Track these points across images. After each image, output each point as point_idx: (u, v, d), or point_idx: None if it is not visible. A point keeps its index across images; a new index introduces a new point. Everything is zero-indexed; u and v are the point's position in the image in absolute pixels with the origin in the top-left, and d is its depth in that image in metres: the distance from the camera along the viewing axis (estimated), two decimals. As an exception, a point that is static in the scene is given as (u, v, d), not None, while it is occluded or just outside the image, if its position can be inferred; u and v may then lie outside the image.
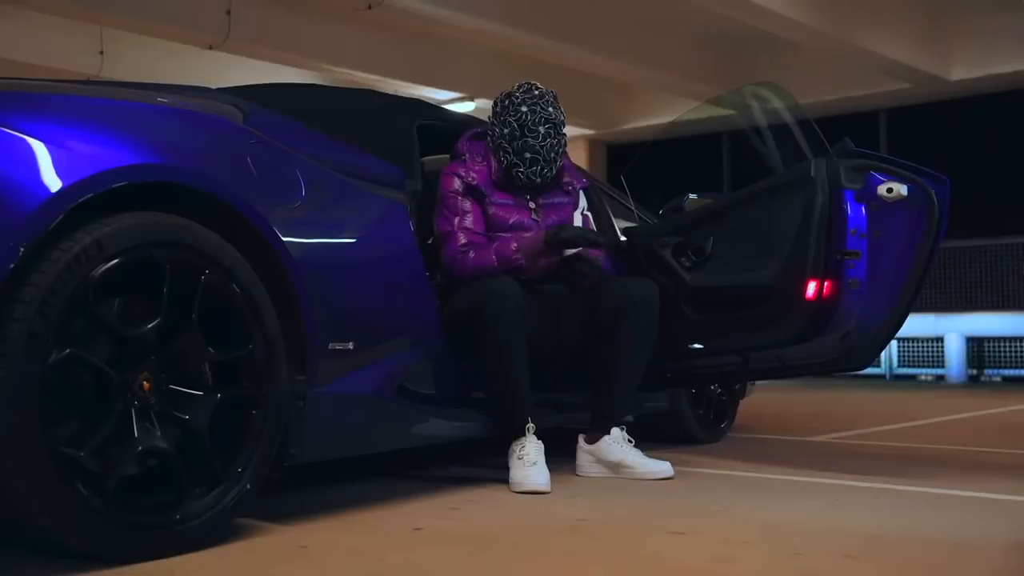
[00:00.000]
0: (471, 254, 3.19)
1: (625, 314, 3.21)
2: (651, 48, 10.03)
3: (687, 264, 3.45)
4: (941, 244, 3.15)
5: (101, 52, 9.55)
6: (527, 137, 3.27)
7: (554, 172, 3.35)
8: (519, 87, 3.35)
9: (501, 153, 3.30)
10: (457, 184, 3.26)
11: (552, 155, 3.31)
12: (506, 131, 3.29)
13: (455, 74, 10.51)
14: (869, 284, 3.14)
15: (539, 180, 3.32)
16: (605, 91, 12.00)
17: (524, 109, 3.28)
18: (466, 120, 3.70)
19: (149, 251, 2.08)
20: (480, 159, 3.34)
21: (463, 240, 3.21)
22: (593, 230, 3.49)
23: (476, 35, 9.11)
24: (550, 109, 3.30)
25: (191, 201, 2.22)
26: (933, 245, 3.11)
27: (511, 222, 3.30)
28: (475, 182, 3.26)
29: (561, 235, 3.21)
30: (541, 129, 3.27)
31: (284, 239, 2.37)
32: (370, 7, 7.91)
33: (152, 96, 2.46)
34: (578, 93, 11.52)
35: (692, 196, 3.99)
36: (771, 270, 3.24)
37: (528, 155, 3.27)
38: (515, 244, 3.20)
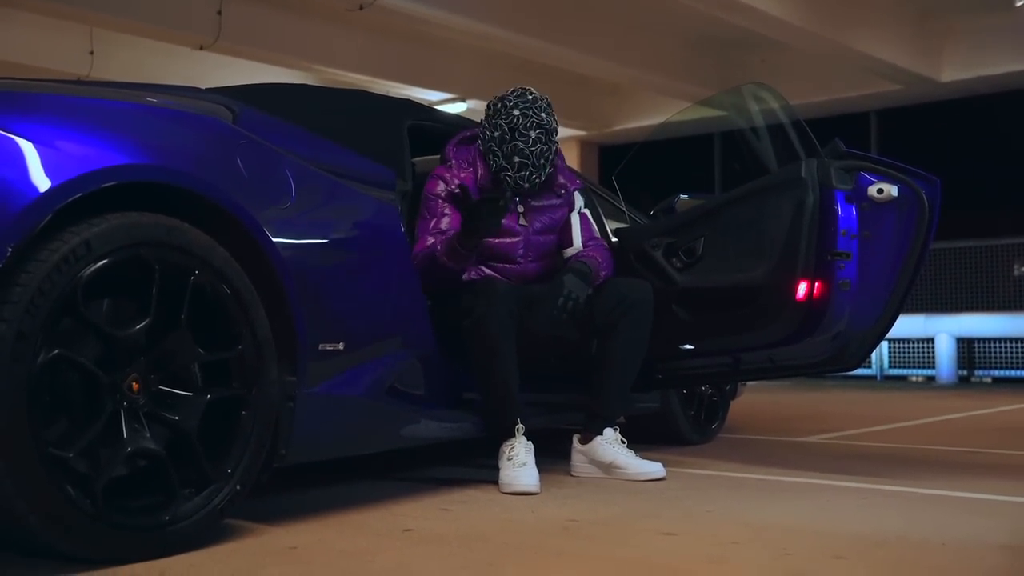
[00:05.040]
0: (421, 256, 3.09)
1: (620, 314, 3.21)
2: (642, 49, 10.05)
3: (678, 265, 3.45)
4: (931, 245, 3.16)
5: (91, 52, 9.53)
6: (517, 141, 3.23)
7: (542, 178, 3.30)
8: (513, 91, 3.30)
9: (491, 156, 3.27)
10: (440, 188, 3.23)
11: (541, 161, 3.26)
12: (496, 134, 3.25)
13: (446, 75, 10.51)
14: (859, 285, 3.15)
15: (527, 186, 3.28)
16: (596, 92, 12.01)
17: (516, 113, 3.24)
18: (457, 121, 3.69)
19: (138, 251, 2.07)
20: (467, 164, 3.30)
21: (429, 242, 3.13)
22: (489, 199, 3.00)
23: (467, 36, 9.11)
24: (543, 115, 3.26)
25: (181, 202, 2.21)
26: (923, 246, 3.12)
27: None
28: (458, 191, 3.15)
29: (468, 227, 2.98)
30: (532, 134, 3.23)
31: (274, 240, 2.37)
32: (361, 7, 7.91)
33: (142, 96, 2.45)
34: (569, 94, 11.52)
35: (683, 197, 3.99)
36: (762, 271, 3.25)
37: (517, 159, 3.24)
38: (439, 247, 3.08)
